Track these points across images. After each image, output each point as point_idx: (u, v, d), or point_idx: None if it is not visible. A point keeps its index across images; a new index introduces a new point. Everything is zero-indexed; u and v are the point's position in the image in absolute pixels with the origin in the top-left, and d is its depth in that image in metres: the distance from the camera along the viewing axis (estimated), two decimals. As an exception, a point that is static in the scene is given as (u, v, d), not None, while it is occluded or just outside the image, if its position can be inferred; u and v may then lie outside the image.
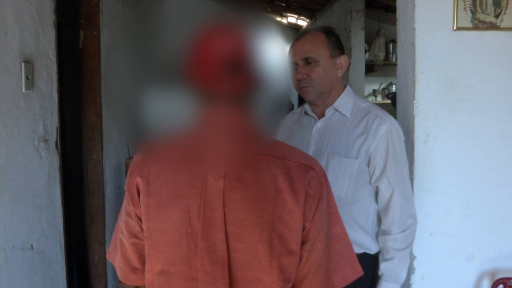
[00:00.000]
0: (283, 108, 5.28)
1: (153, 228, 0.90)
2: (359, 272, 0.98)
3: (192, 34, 0.93)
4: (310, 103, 1.56)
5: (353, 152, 1.43)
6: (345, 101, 1.51)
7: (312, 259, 0.91)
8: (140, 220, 0.93)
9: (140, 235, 0.95)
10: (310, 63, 1.46)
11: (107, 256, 1.06)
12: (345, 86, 1.54)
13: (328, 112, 1.51)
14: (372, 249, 1.47)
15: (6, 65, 1.56)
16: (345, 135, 1.46)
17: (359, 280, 0.99)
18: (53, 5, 1.86)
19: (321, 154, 1.47)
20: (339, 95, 1.51)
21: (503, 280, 1.57)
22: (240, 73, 0.90)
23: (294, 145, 1.35)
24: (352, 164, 1.42)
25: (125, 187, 0.96)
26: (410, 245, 1.46)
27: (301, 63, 1.47)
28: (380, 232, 1.47)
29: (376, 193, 1.46)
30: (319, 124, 1.52)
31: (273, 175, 0.87)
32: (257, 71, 0.94)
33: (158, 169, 0.91)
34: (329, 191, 0.94)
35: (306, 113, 1.59)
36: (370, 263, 1.48)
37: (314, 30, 1.51)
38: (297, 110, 1.68)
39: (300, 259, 0.91)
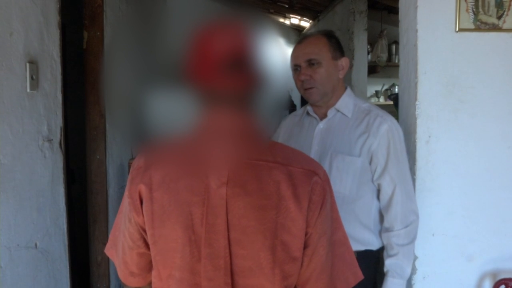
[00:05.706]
0: (285, 108, 5.28)
1: (158, 235, 0.89)
2: (359, 276, 0.98)
3: (193, 32, 0.92)
4: (312, 105, 1.58)
5: (355, 150, 1.46)
6: (347, 102, 1.54)
7: (313, 265, 0.91)
8: (141, 227, 0.92)
9: (138, 242, 0.94)
10: (313, 64, 1.49)
11: (105, 251, 1.06)
12: (345, 88, 1.57)
13: (330, 113, 1.54)
14: (374, 246, 1.51)
15: (11, 66, 1.57)
16: (348, 134, 1.49)
17: None
18: (58, 6, 1.87)
19: (324, 154, 1.50)
20: (340, 96, 1.55)
21: (504, 281, 1.57)
22: (242, 70, 0.89)
23: (296, 146, 1.36)
24: (355, 162, 1.45)
25: (125, 193, 0.95)
26: (413, 240, 1.49)
27: (304, 65, 1.50)
28: (383, 230, 1.50)
29: (378, 191, 1.50)
30: (321, 125, 1.55)
31: (276, 182, 0.86)
32: (259, 69, 0.92)
33: (161, 175, 0.89)
34: (331, 196, 0.93)
35: (308, 114, 1.61)
36: (372, 260, 1.52)
37: (315, 34, 1.56)
38: (298, 111, 1.71)
39: (301, 264, 0.90)
